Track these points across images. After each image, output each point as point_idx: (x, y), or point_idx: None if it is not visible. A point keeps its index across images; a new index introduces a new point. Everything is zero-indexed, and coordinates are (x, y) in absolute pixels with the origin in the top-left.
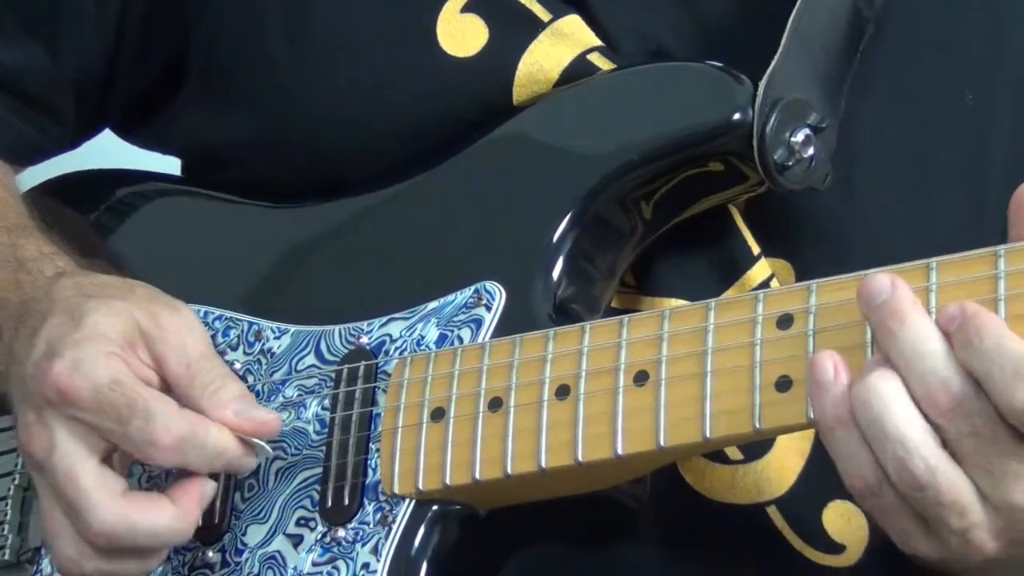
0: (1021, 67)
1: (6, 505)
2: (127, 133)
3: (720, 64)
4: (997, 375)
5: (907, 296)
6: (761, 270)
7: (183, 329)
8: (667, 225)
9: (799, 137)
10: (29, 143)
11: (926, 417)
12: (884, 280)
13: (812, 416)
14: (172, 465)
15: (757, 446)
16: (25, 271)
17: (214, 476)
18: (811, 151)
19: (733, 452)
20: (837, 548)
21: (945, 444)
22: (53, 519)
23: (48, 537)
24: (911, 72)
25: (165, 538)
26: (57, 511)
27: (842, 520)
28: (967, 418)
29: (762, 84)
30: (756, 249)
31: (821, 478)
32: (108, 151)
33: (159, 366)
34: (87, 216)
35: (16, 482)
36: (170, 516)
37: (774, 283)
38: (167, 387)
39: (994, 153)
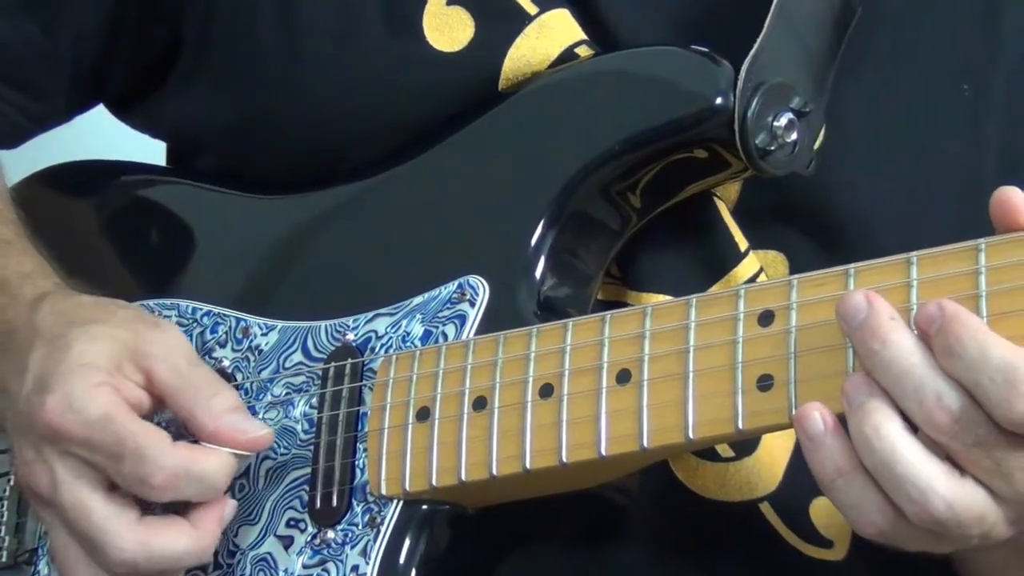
0: (1015, 54)
1: (2, 506)
2: (122, 110)
3: (700, 48)
4: (988, 386)
5: (885, 313)
6: (749, 266)
7: (168, 340)
8: (651, 214)
9: (782, 121)
10: (11, 125)
11: (928, 438)
12: (859, 299)
13: (795, 416)
14: (169, 500)
15: (746, 443)
16: (7, 294)
17: None
18: (794, 136)
19: (724, 449)
20: (827, 543)
21: (949, 457)
22: (66, 553)
23: (62, 570)
24: (907, 62)
25: (186, 561)
26: (70, 545)
27: (828, 516)
28: (969, 430)
29: (743, 67)
30: (743, 245)
31: (806, 475)
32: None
33: (147, 379)
34: (72, 210)
35: (12, 483)
36: (189, 538)
37: (762, 279)
38: (158, 402)
39: (990, 143)
